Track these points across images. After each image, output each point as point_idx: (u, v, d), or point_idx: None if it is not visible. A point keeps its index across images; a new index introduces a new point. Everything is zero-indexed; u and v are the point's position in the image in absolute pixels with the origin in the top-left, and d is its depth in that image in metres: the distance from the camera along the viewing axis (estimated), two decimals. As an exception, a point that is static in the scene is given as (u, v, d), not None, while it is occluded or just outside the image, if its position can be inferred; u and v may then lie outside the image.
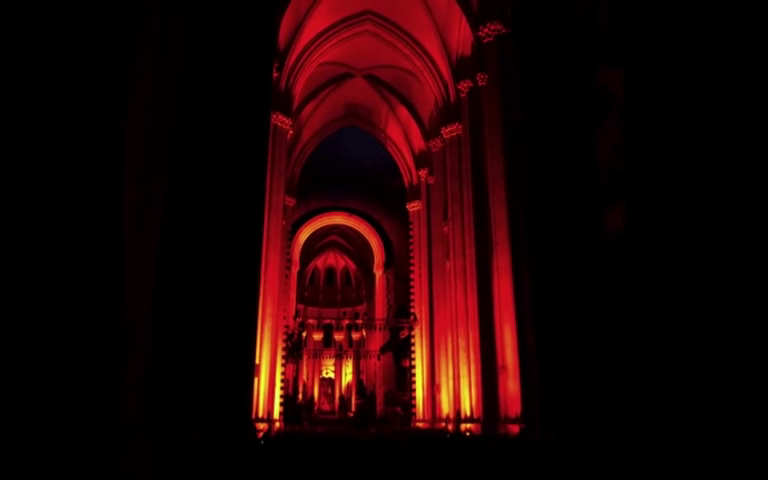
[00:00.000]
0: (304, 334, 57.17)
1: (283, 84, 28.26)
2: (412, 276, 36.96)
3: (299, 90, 30.67)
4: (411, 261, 37.45)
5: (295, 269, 49.62)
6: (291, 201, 36.90)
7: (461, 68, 28.38)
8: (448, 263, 30.13)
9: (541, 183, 17.88)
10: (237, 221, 15.73)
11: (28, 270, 7.08)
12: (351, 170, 47.18)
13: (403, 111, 38.03)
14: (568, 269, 16.40)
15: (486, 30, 23.73)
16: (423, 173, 37.19)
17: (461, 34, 28.13)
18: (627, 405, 12.95)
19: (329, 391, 66.22)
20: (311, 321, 63.09)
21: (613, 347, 13.97)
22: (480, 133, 25.12)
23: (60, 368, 7.38)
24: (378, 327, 48.69)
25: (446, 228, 31.01)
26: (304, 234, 51.45)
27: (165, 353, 12.08)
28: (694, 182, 13.01)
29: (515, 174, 21.58)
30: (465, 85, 27.27)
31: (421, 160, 38.11)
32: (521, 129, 20.00)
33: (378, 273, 54.17)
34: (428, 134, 35.54)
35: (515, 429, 19.78)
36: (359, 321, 59.81)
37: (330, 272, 68.11)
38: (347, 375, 66.76)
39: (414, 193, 39.11)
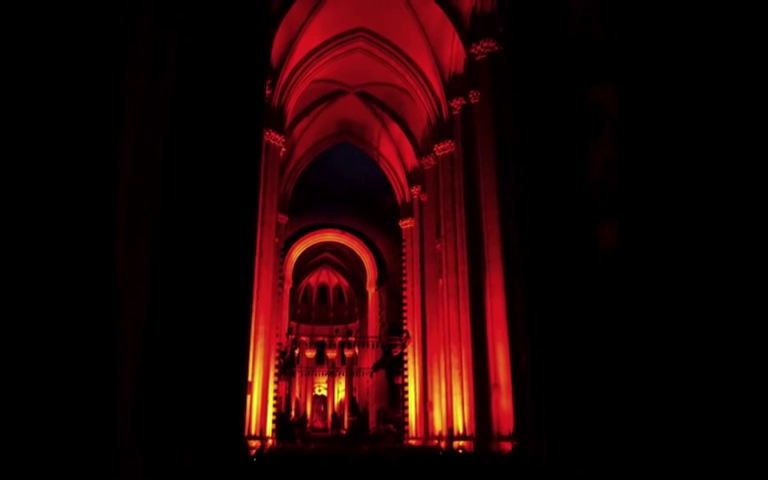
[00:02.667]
0: (297, 351, 56.85)
1: (276, 101, 28.31)
2: (405, 293, 36.89)
3: (292, 107, 30.72)
4: (404, 278, 37.39)
5: (288, 286, 49.12)
6: (284, 218, 36.74)
7: (454, 85, 28.46)
8: (441, 281, 30.11)
9: (534, 200, 17.93)
10: (230, 238, 15.71)
11: (22, 287, 7.06)
12: (344, 187, 47.11)
13: (396, 128, 38.12)
14: (561, 286, 16.42)
15: (479, 47, 23.84)
16: (416, 191, 37.23)
17: (454, 52, 28.24)
18: (622, 421, 12.94)
19: (322, 408, 65.78)
20: (304, 338, 61.68)
21: (607, 363, 13.98)
22: (473, 150, 25.19)
23: (54, 384, 7.36)
24: (371, 344, 48.33)
25: (439, 246, 31.03)
26: (297, 251, 51.63)
27: (157, 370, 12.04)
28: (687, 198, 13.06)
29: (508, 191, 21.63)
30: (458, 102, 27.35)
31: (414, 178, 38.15)
32: (514, 146, 20.06)
33: (371, 290, 54.30)
34: (421, 152, 35.62)
35: (508, 446, 19.74)
36: (352, 339, 59.27)
37: (323, 289, 67.64)
38: (340, 392, 66.38)
39: (407, 210, 39.12)
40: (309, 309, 66.64)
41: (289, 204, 38.81)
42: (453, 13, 26.20)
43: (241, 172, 16.41)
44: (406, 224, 38.91)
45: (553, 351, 16.01)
